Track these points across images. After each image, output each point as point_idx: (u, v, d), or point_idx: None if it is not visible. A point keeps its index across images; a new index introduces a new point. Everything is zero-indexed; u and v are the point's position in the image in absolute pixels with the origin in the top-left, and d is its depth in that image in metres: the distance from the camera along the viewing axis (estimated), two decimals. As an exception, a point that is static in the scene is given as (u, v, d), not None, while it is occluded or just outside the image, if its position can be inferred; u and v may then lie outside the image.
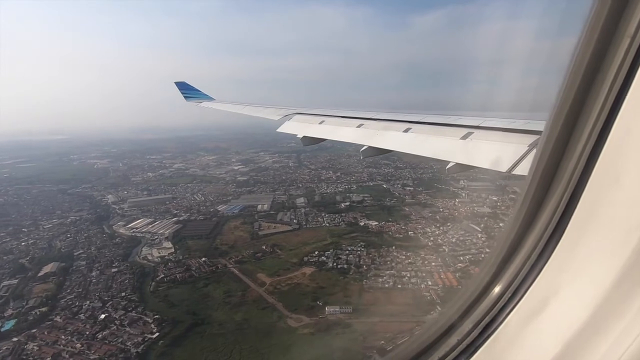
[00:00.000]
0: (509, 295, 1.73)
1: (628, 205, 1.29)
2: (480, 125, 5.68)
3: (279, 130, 9.97)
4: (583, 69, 1.39)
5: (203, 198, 79.96)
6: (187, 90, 17.67)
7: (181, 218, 65.90)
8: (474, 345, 1.77)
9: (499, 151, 4.81)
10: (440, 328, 1.91)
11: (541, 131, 1.82)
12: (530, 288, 1.63)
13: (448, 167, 5.35)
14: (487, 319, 1.77)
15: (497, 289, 1.81)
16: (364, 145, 7.16)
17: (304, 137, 8.75)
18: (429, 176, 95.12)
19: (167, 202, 76.56)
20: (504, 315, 1.71)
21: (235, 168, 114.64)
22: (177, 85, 17.82)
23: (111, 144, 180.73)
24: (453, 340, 1.84)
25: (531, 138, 4.50)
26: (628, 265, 1.27)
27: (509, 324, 1.68)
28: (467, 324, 1.83)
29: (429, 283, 41.59)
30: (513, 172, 4.32)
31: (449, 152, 5.64)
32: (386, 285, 41.49)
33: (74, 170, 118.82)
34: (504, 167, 4.45)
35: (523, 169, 4.23)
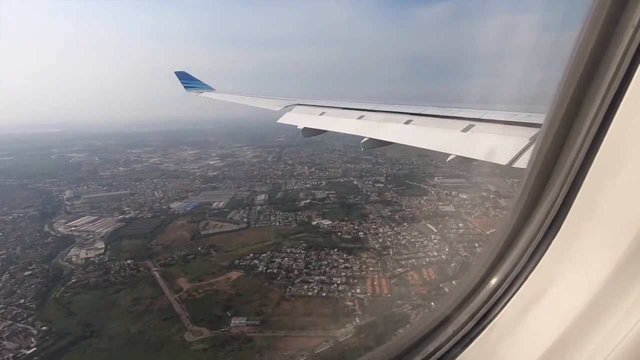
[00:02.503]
0: (506, 287, 1.74)
1: (626, 199, 1.29)
2: (482, 117, 5.63)
3: (279, 121, 9.87)
4: (585, 60, 1.37)
5: (162, 194, 76.90)
6: (187, 80, 17.44)
7: (128, 216, 62.79)
8: (469, 336, 1.78)
9: (500, 144, 4.78)
10: (437, 319, 1.92)
11: (542, 124, 1.74)
12: (527, 280, 1.64)
13: (449, 159, 5.33)
14: (483, 310, 1.78)
15: (493, 281, 1.82)
16: (364, 137, 7.11)
17: (305, 128, 8.72)
18: (406, 172, 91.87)
19: (123, 199, 73.53)
20: (500, 306, 1.72)
21: (211, 163, 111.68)
22: (177, 74, 17.55)
23: (99, 138, 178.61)
24: (449, 331, 1.84)
25: (532, 131, 4.46)
26: (625, 259, 1.27)
27: (504, 315, 1.69)
28: (464, 315, 1.84)
29: (357, 291, 38.03)
30: (513, 165, 4.23)
31: (449, 144, 5.62)
32: (309, 293, 38.04)
33: (48, 164, 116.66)
34: (504, 160, 4.42)
35: (524, 162, 4.18)
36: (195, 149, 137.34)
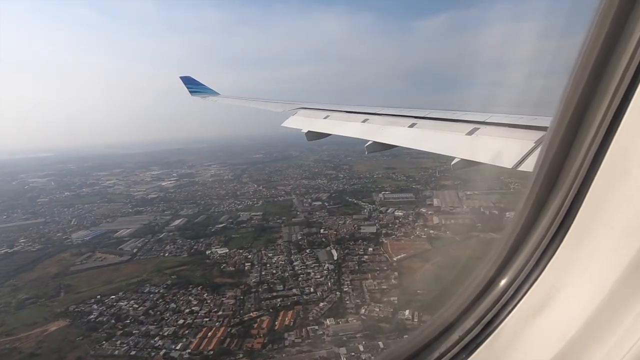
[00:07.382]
0: (512, 292, 1.70)
1: (635, 203, 1.28)
2: (487, 121, 5.50)
3: (283, 124, 9.72)
4: (592, 61, 1.35)
5: (76, 222, 70.79)
6: (192, 84, 17.26)
7: (13, 249, 56.49)
8: (475, 342, 1.74)
9: (505, 147, 4.73)
10: (442, 325, 1.87)
11: (548, 127, 1.71)
12: (534, 285, 1.61)
13: (453, 163, 5.32)
14: (489, 316, 1.74)
15: (499, 286, 1.78)
16: (368, 141, 7.00)
17: (309, 132, 8.54)
18: (357, 188, 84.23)
19: (31, 228, 67.37)
20: (506, 312, 1.69)
21: (164, 184, 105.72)
22: (182, 79, 17.38)
23: (79, 161, 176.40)
24: (454, 337, 1.80)
25: (538, 134, 4.38)
26: (633, 264, 1.26)
27: (511, 321, 1.66)
28: (469, 321, 1.80)
29: (177, 347, 30.33)
30: (519, 169, 4.18)
31: (454, 147, 5.51)
32: (117, 352, 30.47)
33: (1, 191, 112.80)
34: (509, 164, 4.35)
35: (529, 165, 4.13)
36: (162, 170, 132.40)
